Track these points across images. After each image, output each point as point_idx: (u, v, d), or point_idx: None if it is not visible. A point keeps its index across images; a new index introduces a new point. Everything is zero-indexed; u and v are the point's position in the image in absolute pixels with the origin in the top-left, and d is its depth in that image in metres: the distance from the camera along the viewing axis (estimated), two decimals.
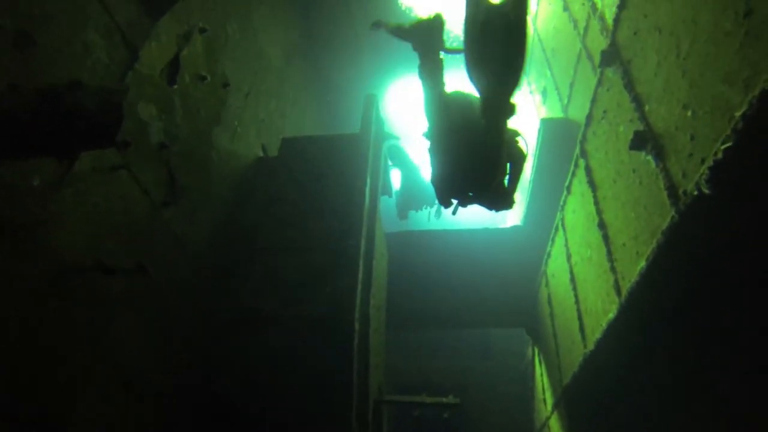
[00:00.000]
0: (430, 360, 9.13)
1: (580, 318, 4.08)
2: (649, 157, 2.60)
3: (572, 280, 4.32)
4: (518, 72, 2.55)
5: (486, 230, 7.09)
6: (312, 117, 9.63)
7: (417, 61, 3.32)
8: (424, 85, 3.26)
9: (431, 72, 3.24)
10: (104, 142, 1.76)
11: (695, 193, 2.05)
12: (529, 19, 2.61)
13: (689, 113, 2.11)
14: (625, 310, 3.08)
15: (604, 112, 3.42)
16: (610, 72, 3.28)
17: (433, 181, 3.37)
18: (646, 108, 2.66)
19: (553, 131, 5.56)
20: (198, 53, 3.93)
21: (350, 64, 10.27)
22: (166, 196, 3.29)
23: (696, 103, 2.05)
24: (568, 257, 4.47)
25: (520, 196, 7.99)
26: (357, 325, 3.98)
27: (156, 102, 3.15)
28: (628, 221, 2.98)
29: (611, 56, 3.16)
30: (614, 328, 3.31)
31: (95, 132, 1.70)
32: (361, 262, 4.27)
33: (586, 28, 4.72)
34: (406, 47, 3.44)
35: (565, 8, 5.31)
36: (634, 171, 2.89)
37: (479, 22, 2.59)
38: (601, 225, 3.48)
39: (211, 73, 4.09)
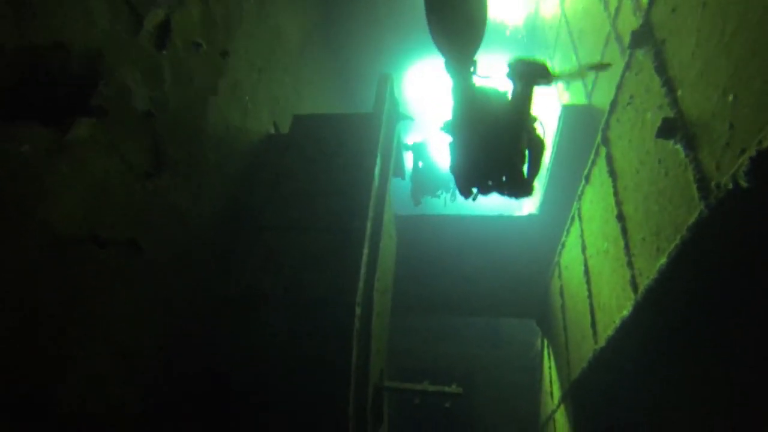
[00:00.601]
0: (438, 345, 9.06)
1: (592, 313, 3.92)
2: (678, 147, 2.40)
3: (586, 272, 4.14)
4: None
5: (500, 218, 6.90)
6: (329, 98, 9.46)
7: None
8: (453, 76, 3.29)
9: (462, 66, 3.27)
10: (78, 108, 1.63)
11: (730, 186, 1.86)
12: None
13: (730, 98, 1.91)
14: (640, 308, 2.91)
15: (631, 97, 3.20)
16: (640, 54, 3.06)
17: (453, 171, 3.44)
18: (679, 93, 2.46)
19: (575, 118, 5.32)
20: (193, 19, 3.74)
21: (369, 46, 10.03)
22: (152, 167, 3.13)
23: (740, 87, 1.85)
24: (583, 249, 4.28)
25: (538, 185, 7.78)
26: (358, 310, 3.87)
27: (141, 67, 3.00)
28: (650, 215, 2.79)
29: (643, 36, 2.93)
30: (628, 326, 3.14)
31: (73, 97, 1.57)
32: (366, 245, 4.14)
33: (617, 9, 4.46)
34: (425, 27, 3.31)
35: None
36: (659, 161, 2.69)
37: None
38: (620, 217, 3.29)
39: (207, 40, 3.89)
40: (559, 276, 5.24)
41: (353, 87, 10.30)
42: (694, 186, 2.21)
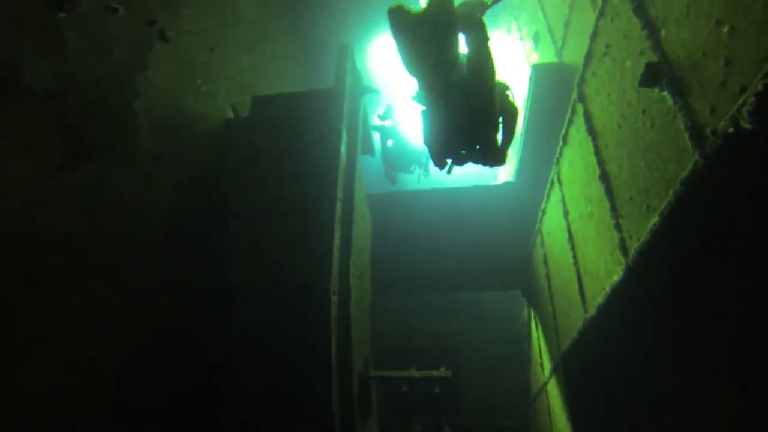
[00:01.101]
0: (421, 323, 8.92)
1: (579, 280, 3.75)
2: (665, 94, 2.18)
3: (570, 239, 3.96)
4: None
5: (476, 188, 6.69)
6: (293, 74, 9.01)
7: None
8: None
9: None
10: None
11: (730, 130, 1.64)
12: None
13: (725, 31, 1.68)
14: (632, 273, 2.72)
15: (607, 47, 2.97)
16: None
17: (427, 142, 3.34)
18: (662, 34, 2.22)
19: (546, 77, 5.09)
20: None
21: (332, 17, 9.57)
22: (70, 157, 2.72)
23: (736, 16, 1.61)
24: (566, 214, 4.09)
25: (512, 152, 7.57)
26: (335, 298, 3.63)
27: (31, 34, 2.52)
28: (636, 172, 2.59)
29: None
30: (619, 292, 2.97)
31: None
32: (337, 228, 3.88)
33: None
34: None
35: None
36: (643, 112, 2.47)
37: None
38: (604, 177, 3.09)
39: (125, 4, 3.41)
40: (542, 244, 5.07)
41: (319, 61, 9.83)
42: (686, 135, 1.99)
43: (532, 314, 6.11)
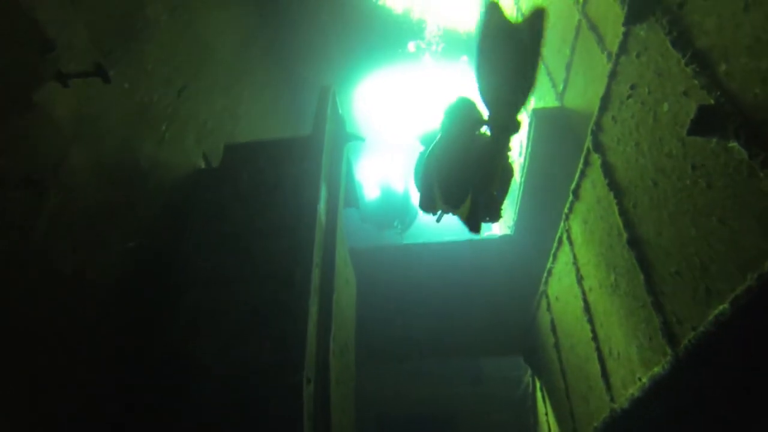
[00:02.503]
0: (414, 387, 8.14)
1: (601, 360, 3.14)
2: (733, 144, 1.66)
3: (586, 309, 3.38)
4: (528, 91, 2.67)
5: (471, 242, 6.13)
6: (276, 118, 8.52)
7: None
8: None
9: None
10: None
11: None
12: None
13: None
14: (684, 367, 2.13)
15: (632, 87, 2.49)
16: (641, 30, 2.35)
17: (422, 185, 3.38)
18: (722, 68, 1.73)
19: (548, 123, 4.65)
20: None
21: (318, 55, 9.15)
22: None
23: None
24: (579, 279, 3.53)
25: (508, 201, 7.10)
26: (310, 387, 2.98)
27: None
28: (685, 241, 2.05)
29: (647, 4, 2.22)
30: (663, 386, 2.36)
31: None
32: (315, 299, 3.27)
33: None
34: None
35: None
36: (694, 168, 1.95)
37: (493, 38, 2.70)
38: (634, 242, 2.55)
39: (64, 45, 2.86)
40: (548, 308, 4.48)
41: (305, 102, 9.38)
42: None
43: (538, 385, 5.44)
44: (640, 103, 2.41)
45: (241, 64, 6.95)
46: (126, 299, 3.50)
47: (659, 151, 2.23)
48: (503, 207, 3.40)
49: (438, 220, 3.56)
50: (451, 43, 9.17)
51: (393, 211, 6.65)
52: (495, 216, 3.29)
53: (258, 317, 3.38)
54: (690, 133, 1.85)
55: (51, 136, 2.95)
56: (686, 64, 1.93)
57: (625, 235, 2.61)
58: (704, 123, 1.79)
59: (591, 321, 3.30)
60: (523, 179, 5.20)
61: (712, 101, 1.77)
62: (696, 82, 1.88)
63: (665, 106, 2.15)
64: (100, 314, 3.27)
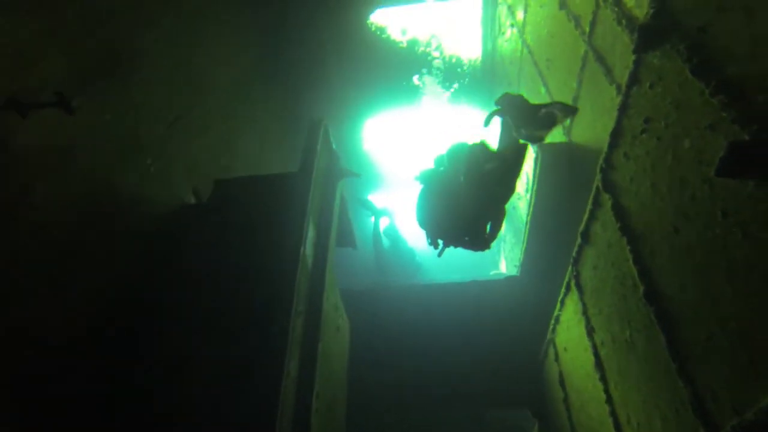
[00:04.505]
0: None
1: (617, 428, 2.76)
2: None
3: (598, 366, 3.02)
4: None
5: (475, 283, 5.78)
6: (275, 152, 8.32)
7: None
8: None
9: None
10: None
11: None
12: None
13: None
14: None
15: (646, 121, 2.21)
16: (654, 58, 2.09)
17: (423, 222, 3.58)
18: (759, 98, 1.44)
19: (556, 159, 4.36)
20: None
21: (320, 90, 9.01)
22: None
23: None
24: (589, 331, 3.18)
25: (513, 240, 6.79)
26: None
27: None
28: (717, 302, 1.72)
29: (663, 28, 1.96)
30: None
31: None
32: (295, 352, 2.95)
33: (593, 23, 3.59)
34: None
35: (562, 5, 4.20)
36: (725, 215, 1.64)
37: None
38: (652, 297, 2.22)
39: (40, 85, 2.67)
40: (556, 358, 4.10)
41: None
42: None
43: None
44: (655, 138, 2.12)
45: (240, 97, 6.78)
46: (92, 346, 3.19)
47: (680, 194, 1.93)
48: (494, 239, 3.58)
49: (439, 255, 3.67)
50: (453, 78, 9.04)
51: (405, 256, 6.67)
52: (486, 246, 3.50)
53: (229, 374, 3.05)
54: (719, 173, 1.55)
55: (9, 168, 2.72)
56: (711, 95, 1.65)
57: (641, 287, 2.29)
58: (736, 162, 1.50)
59: (604, 380, 2.93)
60: (529, 217, 4.90)
61: (747, 137, 1.48)
62: (725, 114, 1.59)
63: (686, 143, 1.86)
64: (61, 366, 2.96)
